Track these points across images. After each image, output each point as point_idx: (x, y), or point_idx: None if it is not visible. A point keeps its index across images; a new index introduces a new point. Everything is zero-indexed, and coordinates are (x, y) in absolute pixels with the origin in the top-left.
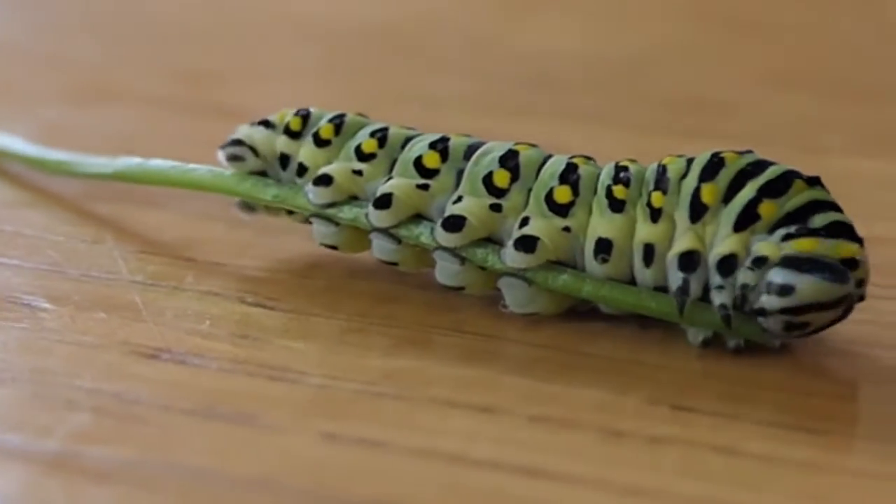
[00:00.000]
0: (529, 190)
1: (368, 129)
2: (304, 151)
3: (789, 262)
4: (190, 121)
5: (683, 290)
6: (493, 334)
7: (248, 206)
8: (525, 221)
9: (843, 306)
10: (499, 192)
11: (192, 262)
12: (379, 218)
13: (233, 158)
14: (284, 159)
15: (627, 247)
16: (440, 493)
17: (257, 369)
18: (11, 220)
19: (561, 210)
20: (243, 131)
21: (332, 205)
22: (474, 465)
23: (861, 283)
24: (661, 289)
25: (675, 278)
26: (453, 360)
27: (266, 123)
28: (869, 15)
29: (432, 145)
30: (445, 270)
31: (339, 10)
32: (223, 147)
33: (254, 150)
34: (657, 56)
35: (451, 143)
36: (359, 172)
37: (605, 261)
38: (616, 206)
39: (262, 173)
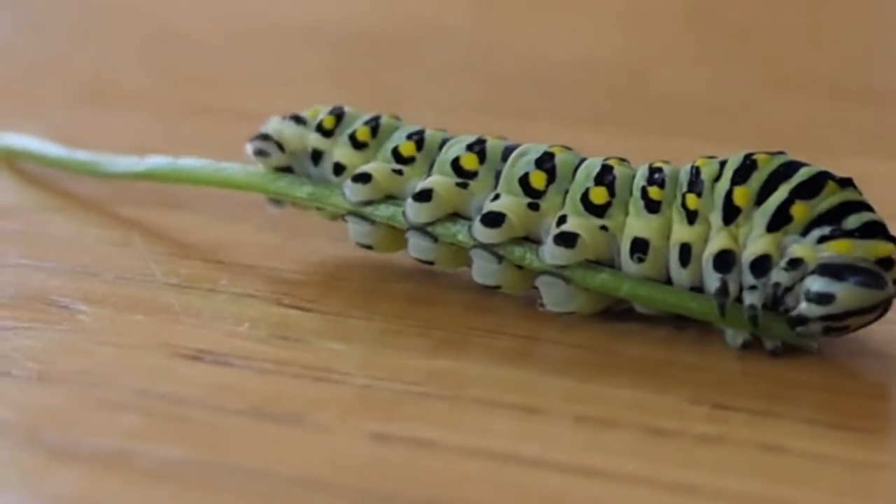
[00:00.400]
0: (566, 192)
1: (404, 132)
2: (341, 152)
3: (827, 270)
4: (198, 124)
5: (722, 290)
6: (530, 335)
7: (277, 201)
8: (563, 220)
9: (881, 308)
10: (536, 193)
11: (224, 264)
12: (418, 212)
13: (259, 153)
14: (317, 155)
15: (663, 247)
16: (493, 493)
17: (301, 370)
18: (38, 223)
19: (598, 210)
20: (272, 125)
21: (368, 203)
22: (525, 464)
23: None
24: (697, 289)
25: (712, 279)
26: (492, 362)
27: (297, 119)
28: (864, 17)
29: (469, 147)
30: (483, 269)
31: (344, 16)
32: (251, 141)
33: (280, 145)
34: (657, 60)
35: (488, 145)
36: (398, 172)
37: (641, 260)
38: (652, 206)
39: (289, 168)
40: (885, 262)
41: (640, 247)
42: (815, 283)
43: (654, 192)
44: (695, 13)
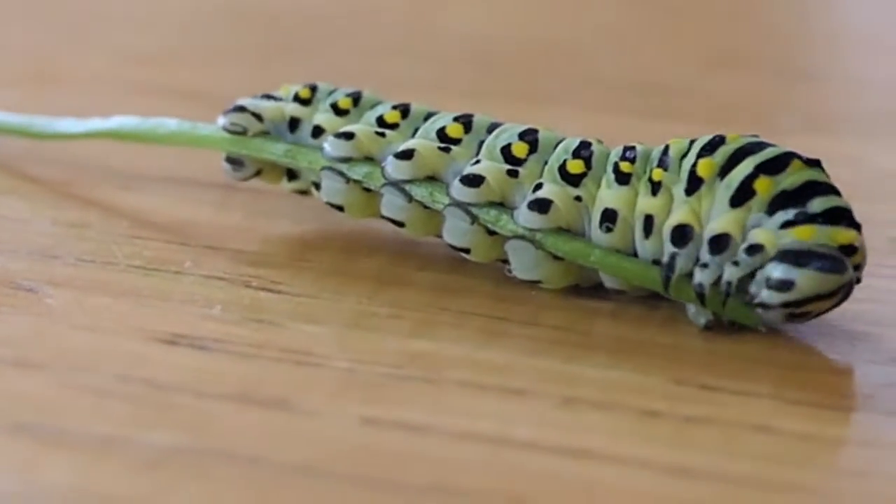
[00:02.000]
0: (545, 163)
1: (388, 104)
2: (322, 117)
3: (787, 256)
4: (153, 102)
5: (670, 266)
6: (503, 316)
7: (237, 163)
8: (539, 186)
9: (842, 293)
10: (516, 162)
11: (187, 245)
12: (397, 168)
13: (233, 126)
14: (294, 123)
15: (631, 218)
16: (489, 476)
17: (280, 354)
18: None
19: (573, 180)
20: (246, 100)
21: (347, 160)
22: (518, 446)
23: (858, 267)
24: (659, 261)
25: (666, 253)
26: (469, 343)
27: (269, 97)
28: None
29: (456, 118)
30: (455, 229)
31: None
32: (225, 113)
33: (258, 116)
34: (597, 39)
35: (474, 119)
36: (381, 135)
37: (609, 230)
38: (622, 178)
39: (266, 133)
40: (848, 249)
41: (609, 216)
42: (776, 270)
43: (625, 165)
44: None
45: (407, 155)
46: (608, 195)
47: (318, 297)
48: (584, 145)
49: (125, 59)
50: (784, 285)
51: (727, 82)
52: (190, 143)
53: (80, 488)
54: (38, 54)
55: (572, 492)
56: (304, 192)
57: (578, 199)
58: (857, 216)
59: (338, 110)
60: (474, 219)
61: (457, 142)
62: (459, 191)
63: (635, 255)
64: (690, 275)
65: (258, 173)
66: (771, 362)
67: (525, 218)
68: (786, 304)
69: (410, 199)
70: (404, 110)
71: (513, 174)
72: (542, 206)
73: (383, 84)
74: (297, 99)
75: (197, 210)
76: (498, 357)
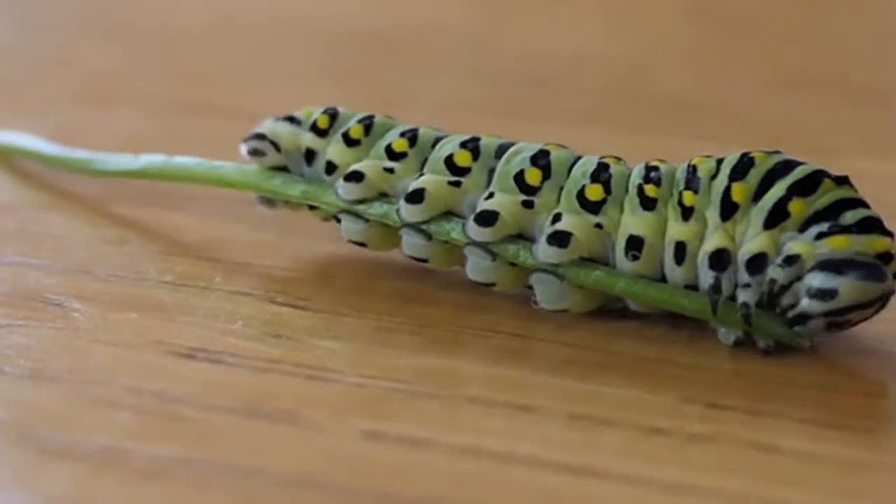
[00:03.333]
0: (561, 189)
1: (398, 130)
2: (333, 150)
3: (827, 266)
4: (197, 122)
5: (716, 288)
6: (524, 334)
7: (269, 201)
8: (557, 217)
9: (882, 301)
10: (530, 190)
11: (218, 262)
12: (410, 213)
13: (254, 152)
14: (310, 155)
15: (658, 244)
16: (489, 492)
17: (293, 368)
18: (35, 220)
19: (593, 207)
20: (267, 126)
21: (361, 201)
22: (520, 463)
23: (894, 275)
24: (691, 287)
25: (707, 277)
26: (486, 360)
27: (291, 119)
28: (867, 16)
29: (463, 144)
30: (476, 266)
31: (340, 14)
32: (246, 140)
33: (276, 144)
34: (657, 57)
35: (482, 143)
36: (390, 170)
37: (635, 258)
38: (648, 204)
39: (283, 168)
40: (884, 257)
41: (635, 245)
42: (817, 279)
43: (650, 189)
44: (695, 10)
45: (417, 198)
46: (633, 222)
47: (339, 314)
48: (602, 168)
49: (185, 79)
50: (826, 294)
51: (782, 102)
52: (212, 183)
53: (79, 498)
54: (100, 73)
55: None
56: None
57: (599, 226)
58: None
59: (349, 140)
60: (494, 255)
61: (466, 171)
62: (475, 231)
63: (661, 278)
64: (731, 298)
65: (287, 203)
66: (791, 382)
67: (545, 253)
68: (827, 313)
69: (430, 237)
70: (412, 137)
71: (528, 205)
72: (561, 240)
73: (435, 105)
74: (314, 128)
75: (232, 227)
76: (512, 374)
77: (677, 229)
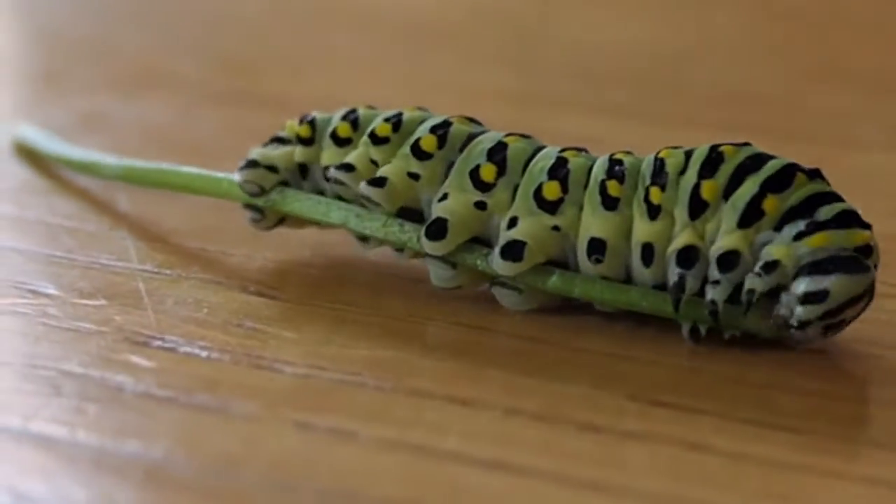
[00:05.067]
0: (517, 186)
1: (381, 117)
2: (327, 155)
3: (811, 269)
4: (230, 110)
5: (679, 286)
6: (485, 326)
7: (256, 210)
8: (513, 222)
9: (870, 294)
10: (485, 187)
11: (201, 251)
12: (376, 198)
13: (249, 186)
14: (303, 169)
15: (622, 246)
16: (398, 485)
17: (244, 358)
18: (36, 206)
19: (550, 208)
20: (257, 152)
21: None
22: (439, 457)
23: (875, 267)
24: (660, 286)
25: (673, 273)
26: (439, 352)
27: (279, 140)
28: None
29: (433, 129)
30: (438, 275)
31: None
32: (240, 170)
33: (272, 168)
34: (704, 49)
35: (451, 130)
36: (375, 162)
37: (599, 261)
38: (610, 203)
39: (284, 183)
40: (865, 249)
41: (597, 248)
42: (804, 285)
43: (612, 187)
44: (750, 4)
45: (380, 182)
46: (595, 223)
47: (308, 305)
48: (561, 163)
49: (222, 65)
50: (817, 296)
51: (821, 95)
52: (206, 194)
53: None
54: (136, 59)
55: (463, 502)
56: None
57: (556, 228)
58: None
59: (338, 140)
60: (454, 265)
61: (430, 156)
62: (429, 246)
63: (626, 278)
64: (697, 293)
65: (282, 221)
66: (746, 381)
67: (499, 266)
68: (823, 315)
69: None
70: (396, 122)
71: (481, 206)
72: (515, 252)
73: (473, 93)
74: (300, 140)
75: (220, 218)
76: (463, 367)
77: (644, 230)
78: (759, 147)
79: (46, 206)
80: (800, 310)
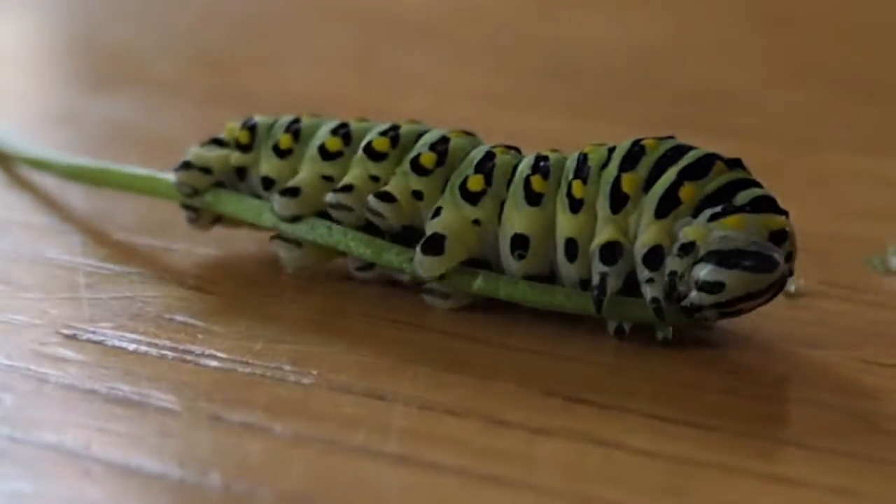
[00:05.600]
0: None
1: (328, 127)
2: (267, 166)
3: (715, 256)
4: (203, 108)
5: (601, 288)
6: (415, 322)
7: (193, 209)
8: (437, 212)
9: (774, 289)
10: (424, 171)
11: (149, 246)
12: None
13: (184, 187)
14: (241, 172)
15: (545, 241)
16: (301, 479)
17: (169, 352)
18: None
19: (473, 199)
20: (193, 153)
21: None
22: (345, 452)
23: (790, 256)
24: (587, 281)
25: (596, 271)
26: (365, 348)
27: (217, 142)
28: None
29: (383, 133)
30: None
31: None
32: (175, 170)
33: (206, 169)
34: (680, 48)
35: (401, 131)
36: (328, 178)
37: (521, 257)
38: (533, 199)
39: (220, 184)
40: (779, 235)
41: (520, 244)
42: (703, 271)
43: (536, 181)
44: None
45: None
46: (518, 218)
47: (243, 299)
48: (488, 157)
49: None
50: (713, 287)
51: (791, 95)
52: (146, 193)
53: None
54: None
55: (364, 496)
56: None
57: (476, 222)
58: None
59: (280, 151)
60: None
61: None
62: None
63: (550, 274)
64: (619, 292)
65: (217, 221)
66: (667, 380)
67: (421, 265)
68: (715, 305)
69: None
70: (345, 134)
71: (418, 196)
72: (436, 247)
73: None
74: (238, 145)
75: (179, 213)
76: (385, 362)
77: (566, 224)
78: (726, 147)
79: (2, 200)
80: (694, 294)
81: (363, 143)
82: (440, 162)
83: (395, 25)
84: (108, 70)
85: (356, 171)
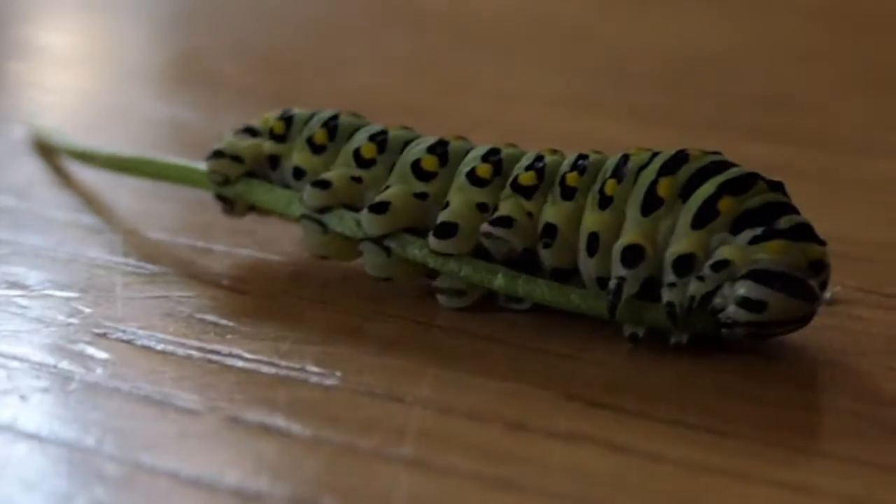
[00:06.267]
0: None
1: (366, 132)
2: (300, 156)
3: (760, 276)
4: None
5: (616, 293)
6: (425, 321)
7: (226, 201)
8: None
9: (806, 320)
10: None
11: (189, 247)
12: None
13: (215, 176)
14: (273, 160)
15: (571, 233)
16: (312, 483)
17: (196, 351)
18: (38, 199)
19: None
20: (225, 141)
21: (326, 209)
22: (360, 454)
23: (824, 285)
24: (604, 279)
25: (617, 272)
26: (395, 349)
27: (250, 131)
28: None
29: (431, 149)
30: (372, 263)
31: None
32: (207, 159)
33: (237, 157)
34: (739, 53)
35: (450, 147)
36: (358, 179)
37: (547, 245)
38: (566, 193)
39: (251, 174)
40: (818, 266)
41: (548, 232)
42: (746, 288)
43: (571, 177)
44: (796, 6)
45: (382, 209)
46: (550, 210)
47: (275, 300)
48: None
49: (257, 64)
50: (756, 305)
51: (854, 101)
52: (180, 182)
53: None
54: (180, 55)
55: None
56: None
57: (529, 215)
58: None
59: (314, 146)
60: (389, 251)
61: (433, 176)
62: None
63: (574, 269)
64: (634, 296)
65: (252, 209)
66: (683, 384)
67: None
68: (752, 324)
69: (327, 230)
70: (381, 142)
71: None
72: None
73: (504, 95)
74: (272, 135)
75: (212, 213)
76: (402, 364)
77: (592, 219)
78: (782, 152)
79: (49, 199)
80: (733, 309)
81: (464, 170)
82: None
83: (464, 29)
84: (172, 71)
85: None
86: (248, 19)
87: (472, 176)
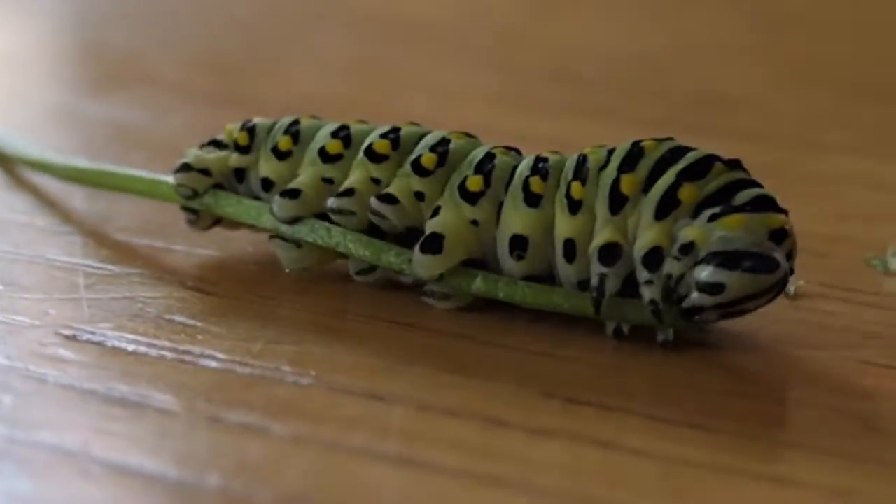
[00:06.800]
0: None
1: (328, 129)
2: (266, 167)
3: (716, 258)
4: (205, 109)
5: (599, 290)
6: (413, 323)
7: (192, 212)
8: (436, 212)
9: (776, 290)
10: (426, 173)
11: (149, 247)
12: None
13: (183, 190)
14: (240, 173)
15: (543, 242)
16: (299, 480)
17: (168, 352)
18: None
19: (472, 199)
20: (191, 155)
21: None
22: (344, 452)
23: (790, 254)
24: (586, 283)
25: (595, 272)
26: (364, 348)
27: (216, 143)
28: None
29: (384, 135)
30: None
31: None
32: (174, 173)
33: (205, 171)
34: (682, 52)
35: (402, 133)
36: (328, 181)
37: (520, 258)
38: (532, 199)
39: (219, 185)
40: (779, 234)
41: (519, 244)
42: (705, 272)
43: (535, 183)
44: (730, 6)
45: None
46: (516, 219)
47: (242, 300)
48: (488, 158)
49: (200, 64)
50: (714, 288)
51: (794, 97)
52: (146, 195)
53: None
54: (119, 58)
55: (362, 496)
56: None
57: (475, 222)
58: None
59: (279, 153)
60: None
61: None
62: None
63: (549, 275)
64: (618, 293)
65: (217, 222)
66: (662, 380)
67: (421, 265)
68: (717, 306)
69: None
70: (345, 137)
71: (420, 197)
72: (434, 245)
73: (448, 94)
74: (237, 147)
75: (178, 213)
76: (383, 363)
77: (565, 225)
78: (728, 149)
79: (2, 201)
80: (695, 295)
81: (364, 146)
82: (441, 163)
83: (398, 29)
84: (111, 72)
85: (357, 173)
86: (183, 18)
87: (369, 152)
